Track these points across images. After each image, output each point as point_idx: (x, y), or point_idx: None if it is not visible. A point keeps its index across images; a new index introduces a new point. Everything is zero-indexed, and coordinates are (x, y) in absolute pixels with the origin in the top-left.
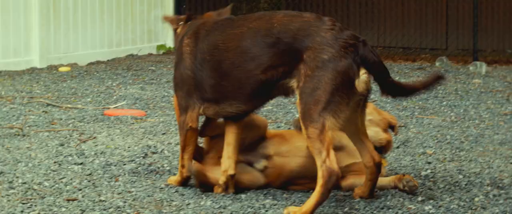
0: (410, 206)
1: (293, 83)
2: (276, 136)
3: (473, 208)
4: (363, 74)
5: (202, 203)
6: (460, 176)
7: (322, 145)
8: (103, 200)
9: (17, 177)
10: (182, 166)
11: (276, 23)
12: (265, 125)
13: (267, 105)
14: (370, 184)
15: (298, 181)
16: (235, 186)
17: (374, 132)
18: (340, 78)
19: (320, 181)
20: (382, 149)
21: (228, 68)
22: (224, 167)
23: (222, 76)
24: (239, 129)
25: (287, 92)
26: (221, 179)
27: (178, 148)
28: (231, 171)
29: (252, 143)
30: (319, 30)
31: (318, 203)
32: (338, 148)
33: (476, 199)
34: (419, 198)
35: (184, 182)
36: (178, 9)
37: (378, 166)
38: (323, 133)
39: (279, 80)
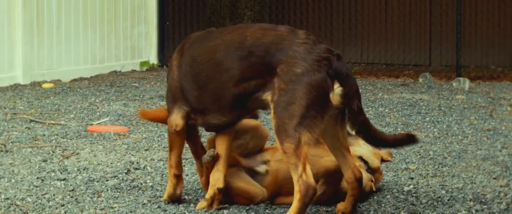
0: None
1: (268, 96)
2: (270, 147)
3: None
4: (337, 88)
5: None
6: (443, 191)
7: (298, 159)
8: None
9: (0, 193)
10: (170, 166)
11: (249, 36)
12: (267, 136)
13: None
14: (352, 199)
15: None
16: (232, 201)
17: (369, 152)
18: (314, 92)
19: (297, 196)
20: (372, 172)
21: (205, 81)
22: (212, 180)
23: (201, 88)
24: (229, 142)
25: (263, 105)
26: (208, 193)
27: (161, 164)
28: (219, 185)
29: (252, 151)
30: (292, 44)
31: None
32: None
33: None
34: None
35: (176, 189)
36: (161, 25)
37: (359, 182)
38: (299, 147)
39: (253, 93)
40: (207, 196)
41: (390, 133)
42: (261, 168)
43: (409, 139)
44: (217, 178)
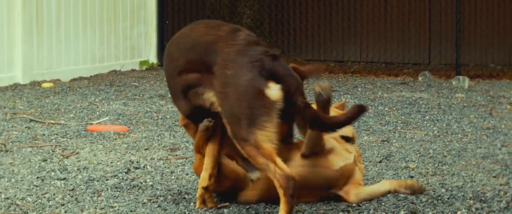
0: None
1: (213, 97)
2: None
3: None
4: (273, 85)
5: None
6: (443, 190)
7: (265, 158)
8: None
9: (0, 193)
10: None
11: (194, 33)
12: None
13: None
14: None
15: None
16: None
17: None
18: (249, 92)
19: (281, 191)
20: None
21: (167, 71)
22: (200, 180)
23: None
24: (218, 144)
25: (209, 105)
26: (198, 192)
27: (160, 163)
28: (203, 184)
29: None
30: (226, 45)
31: (289, 212)
32: (328, 151)
33: (459, 212)
34: (402, 212)
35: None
36: (161, 25)
37: None
38: (260, 147)
39: (195, 86)
40: (197, 195)
41: (390, 131)
42: (253, 175)
43: (360, 111)
44: (202, 177)
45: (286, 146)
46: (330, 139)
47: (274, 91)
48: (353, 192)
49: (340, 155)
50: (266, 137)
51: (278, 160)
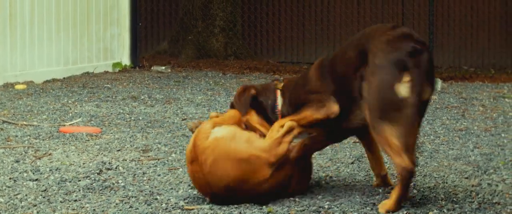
0: None
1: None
2: None
3: None
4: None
5: None
6: (415, 191)
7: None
8: None
9: None
10: None
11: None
12: None
13: None
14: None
15: None
16: None
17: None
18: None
19: (399, 178)
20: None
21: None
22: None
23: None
24: None
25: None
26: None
27: (133, 164)
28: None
29: None
30: (381, 34)
31: (398, 198)
32: None
33: (430, 213)
34: (374, 212)
35: None
36: (134, 27)
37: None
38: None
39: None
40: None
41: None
42: None
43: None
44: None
45: None
46: None
47: (404, 88)
48: None
49: None
50: (396, 130)
51: (404, 152)
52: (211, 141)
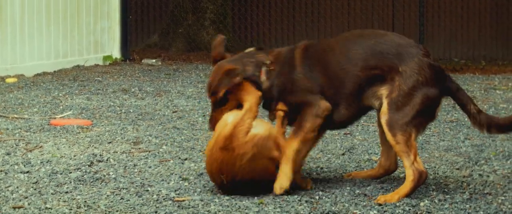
0: (355, 211)
1: (384, 90)
2: None
3: (419, 212)
4: None
5: (147, 210)
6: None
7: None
8: (49, 208)
9: None
10: None
11: None
12: None
13: None
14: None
15: None
16: None
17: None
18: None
19: (410, 179)
20: None
21: None
22: None
23: None
24: None
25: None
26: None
27: (124, 156)
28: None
29: None
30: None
31: (405, 194)
32: None
33: (422, 203)
34: (365, 203)
35: None
36: (124, 20)
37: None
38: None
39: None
40: None
41: (353, 124)
42: None
43: None
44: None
45: None
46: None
47: None
48: None
49: None
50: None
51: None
52: (251, 136)
